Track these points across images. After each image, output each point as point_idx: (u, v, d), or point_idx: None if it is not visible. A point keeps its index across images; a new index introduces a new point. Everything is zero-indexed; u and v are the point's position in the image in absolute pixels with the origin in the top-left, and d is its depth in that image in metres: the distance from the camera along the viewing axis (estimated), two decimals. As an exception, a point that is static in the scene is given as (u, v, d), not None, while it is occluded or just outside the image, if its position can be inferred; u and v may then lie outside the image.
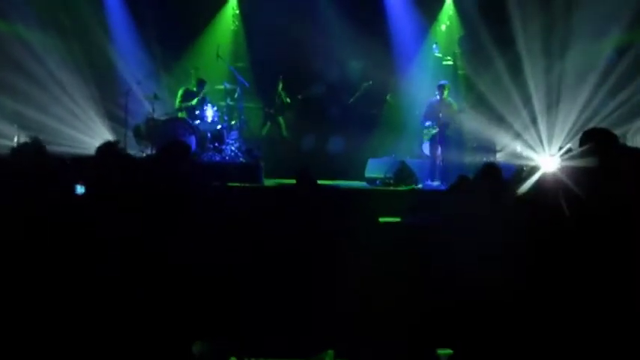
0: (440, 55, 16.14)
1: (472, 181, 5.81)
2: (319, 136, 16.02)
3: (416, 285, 4.91)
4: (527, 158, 13.50)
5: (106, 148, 5.55)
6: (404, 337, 4.75)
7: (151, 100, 13.94)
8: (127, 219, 4.70)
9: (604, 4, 13.59)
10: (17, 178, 5.18)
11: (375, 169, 13.65)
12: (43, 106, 14.66)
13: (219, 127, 14.06)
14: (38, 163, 5.77)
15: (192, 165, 6.36)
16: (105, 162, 5.35)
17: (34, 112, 14.44)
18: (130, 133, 13.97)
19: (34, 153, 5.38)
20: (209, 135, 13.91)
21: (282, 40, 15.38)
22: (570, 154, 5.60)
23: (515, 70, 14.64)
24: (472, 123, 14.10)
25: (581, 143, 5.22)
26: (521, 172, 5.88)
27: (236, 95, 14.71)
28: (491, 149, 13.98)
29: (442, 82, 13.84)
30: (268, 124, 15.51)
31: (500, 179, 5.53)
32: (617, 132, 6.67)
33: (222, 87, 14.95)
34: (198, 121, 13.81)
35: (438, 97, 13.56)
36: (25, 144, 7.35)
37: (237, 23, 16.92)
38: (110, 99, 15.26)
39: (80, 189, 5.19)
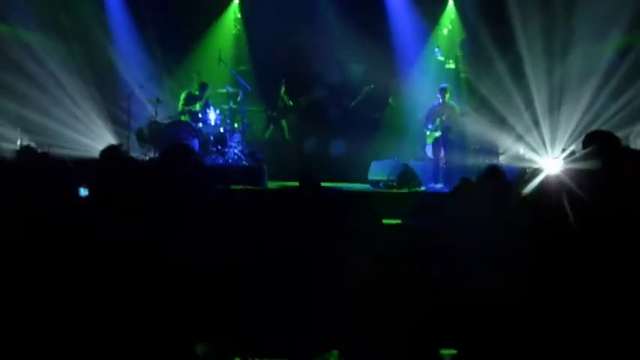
0: (442, 58, 16.15)
1: (475, 183, 5.81)
2: (322, 139, 16.03)
3: (416, 285, 4.92)
4: (530, 161, 13.51)
5: (109, 151, 5.56)
6: (404, 337, 4.76)
7: (153, 103, 13.96)
8: (130, 221, 4.70)
9: (604, 6, 13.59)
10: (21, 180, 5.20)
11: (378, 171, 13.64)
12: (45, 109, 14.68)
13: (221, 130, 14.06)
14: (41, 166, 5.79)
15: (195, 168, 6.35)
16: (108, 165, 5.36)
17: (37, 115, 14.47)
18: (133, 137, 13.97)
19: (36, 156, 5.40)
20: (212, 138, 13.92)
21: (284, 44, 15.42)
22: (573, 156, 5.60)
23: (517, 72, 14.65)
24: (475, 126, 14.09)
25: (584, 146, 5.22)
26: (524, 175, 5.88)
27: (238, 98, 14.71)
28: (493, 152, 13.97)
29: (444, 85, 13.84)
30: (271, 127, 15.51)
31: (503, 181, 5.53)
32: (620, 134, 6.67)
33: (224, 90, 14.95)
34: (201, 125, 13.81)
35: (439, 100, 13.55)
36: (28, 147, 7.39)
37: (238, 27, 16.95)
38: (113, 102, 15.28)
39: (84, 192, 5.20)
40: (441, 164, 13.35)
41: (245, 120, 14.88)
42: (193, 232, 5.01)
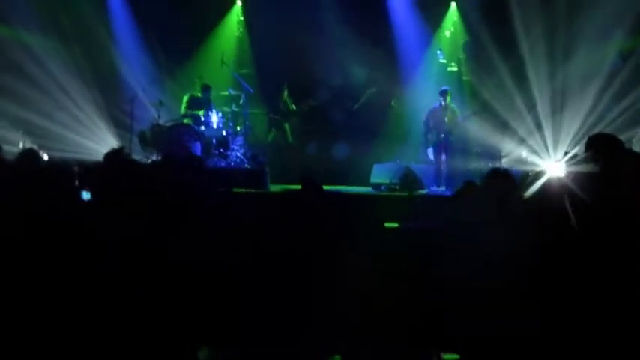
0: (444, 60, 16.14)
1: (480, 186, 5.81)
2: (324, 142, 16.03)
3: (416, 285, 4.92)
4: (533, 164, 13.49)
5: (112, 154, 5.56)
6: (404, 337, 4.76)
7: (156, 106, 13.97)
8: (131, 222, 4.71)
9: (606, 9, 13.58)
10: (22, 182, 5.21)
11: (380, 174, 13.64)
12: (47, 111, 14.71)
13: (224, 133, 14.06)
14: (42, 169, 5.80)
15: (197, 172, 6.36)
16: (111, 168, 5.36)
17: (39, 118, 14.48)
18: (136, 139, 13.98)
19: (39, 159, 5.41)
20: (214, 141, 13.91)
21: (287, 47, 15.41)
22: (575, 159, 5.60)
23: (520, 75, 14.64)
24: (477, 129, 14.09)
25: (587, 148, 5.23)
26: (527, 178, 5.88)
27: (241, 101, 14.71)
28: (496, 155, 13.96)
29: (444, 87, 13.84)
30: (273, 130, 15.50)
31: (509, 183, 5.51)
32: (623, 137, 6.68)
33: (226, 93, 14.97)
34: (203, 127, 13.82)
35: (439, 103, 13.54)
36: (30, 150, 7.39)
37: (241, 30, 16.96)
38: (115, 105, 15.30)
39: (86, 195, 5.20)
40: (442, 167, 13.36)
41: (247, 123, 14.88)
42: (194, 232, 5.02)
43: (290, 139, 15.65)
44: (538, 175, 5.68)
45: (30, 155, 6.68)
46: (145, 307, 4.39)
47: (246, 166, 13.72)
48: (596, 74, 14.12)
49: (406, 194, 12.18)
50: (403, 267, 5.11)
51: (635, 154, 5.96)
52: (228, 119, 14.40)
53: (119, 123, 15.10)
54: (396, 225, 6.90)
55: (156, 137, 13.53)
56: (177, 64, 16.04)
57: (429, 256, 5.18)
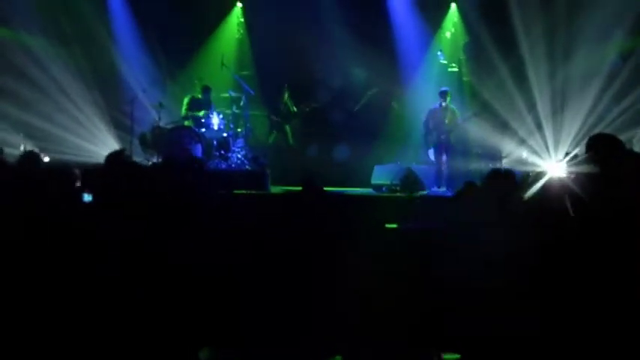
0: (445, 61, 16.14)
1: (480, 186, 5.80)
2: (325, 144, 16.03)
3: (416, 286, 4.93)
4: (533, 164, 13.49)
5: (113, 156, 5.57)
6: (404, 337, 4.76)
7: (156, 108, 13.97)
8: (132, 223, 4.72)
9: (606, 9, 13.58)
10: (23, 185, 5.21)
11: (381, 175, 13.63)
12: (48, 114, 14.71)
13: (225, 134, 14.06)
14: (43, 171, 5.80)
15: (197, 175, 6.37)
16: (112, 170, 5.37)
17: (40, 121, 14.49)
18: (136, 141, 13.99)
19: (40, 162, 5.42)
20: (215, 143, 13.92)
21: (287, 48, 15.41)
22: (576, 160, 5.61)
23: (520, 75, 14.64)
24: (477, 130, 14.08)
25: (587, 149, 5.23)
26: (527, 178, 5.88)
27: (241, 103, 14.71)
28: (496, 156, 13.96)
29: (444, 88, 13.82)
30: (274, 132, 15.51)
31: (510, 183, 5.50)
32: (623, 137, 6.69)
33: (227, 95, 14.96)
34: (204, 129, 13.82)
35: (439, 103, 13.53)
36: (31, 152, 7.41)
37: (241, 31, 16.96)
38: (116, 107, 15.31)
39: (87, 197, 5.21)
40: (443, 168, 13.36)
41: (248, 125, 14.88)
42: (194, 233, 5.03)
43: (291, 140, 15.65)
44: (539, 175, 5.69)
45: (31, 158, 6.69)
46: (146, 308, 4.40)
47: (247, 167, 13.72)
48: (597, 74, 14.12)
49: (404, 195, 12.16)
50: (403, 267, 5.11)
51: (636, 154, 5.97)
52: (228, 121, 14.40)
53: (119, 125, 15.11)
54: (393, 226, 6.90)
55: (156, 139, 13.53)
56: (177, 65, 16.06)
57: (429, 257, 5.18)
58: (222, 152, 13.86)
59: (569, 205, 4.70)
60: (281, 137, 15.52)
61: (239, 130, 14.54)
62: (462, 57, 16.29)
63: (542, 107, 14.58)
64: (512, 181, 5.53)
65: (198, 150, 13.12)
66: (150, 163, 12.68)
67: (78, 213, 4.95)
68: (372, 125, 15.73)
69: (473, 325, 4.45)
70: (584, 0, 13.90)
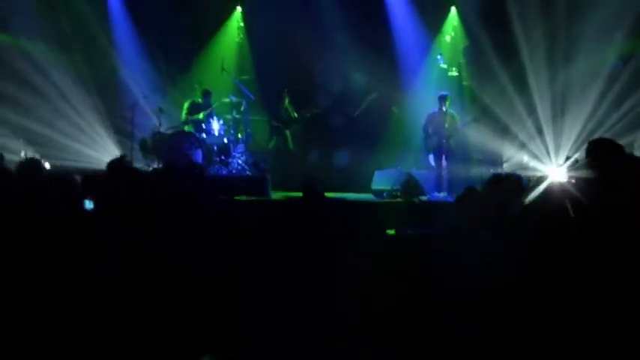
0: (445, 65, 16.13)
1: (481, 191, 5.81)
2: (325, 149, 16.05)
3: (416, 286, 4.93)
4: (534, 169, 13.49)
5: (115, 163, 5.58)
6: (404, 337, 4.76)
7: (156, 113, 13.98)
8: (133, 227, 4.73)
9: (606, 13, 13.59)
10: (25, 192, 5.22)
11: (381, 181, 13.60)
12: (48, 120, 14.73)
13: (225, 140, 14.06)
14: (45, 178, 5.81)
15: (197, 181, 6.38)
16: (113, 177, 5.37)
17: (40, 127, 14.50)
18: (137, 147, 13.99)
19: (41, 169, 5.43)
20: (215, 148, 13.92)
21: (287, 53, 15.43)
22: (576, 165, 5.61)
23: (520, 79, 14.64)
24: (477, 135, 14.08)
25: (587, 153, 5.24)
26: (528, 182, 5.88)
27: (242, 108, 14.71)
28: (497, 161, 13.95)
29: (443, 93, 13.79)
30: (275, 137, 15.51)
31: (511, 188, 5.50)
32: (624, 141, 6.69)
33: (227, 100, 14.96)
34: (204, 135, 13.82)
35: (438, 108, 13.52)
36: (32, 159, 7.40)
37: (241, 36, 16.98)
38: (117, 113, 15.32)
39: (89, 204, 5.21)
40: (443, 173, 13.34)
41: (248, 130, 14.88)
42: (194, 234, 5.04)
43: (291, 145, 15.66)
44: (539, 180, 5.70)
45: (32, 165, 6.68)
46: (146, 308, 4.40)
47: (247, 173, 13.71)
48: (597, 78, 14.12)
49: (405, 201, 12.13)
50: (403, 268, 5.12)
51: (636, 158, 5.97)
52: (229, 126, 14.40)
53: (120, 130, 15.14)
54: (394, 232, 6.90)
55: (157, 145, 13.53)
56: (177, 70, 16.08)
57: (428, 259, 5.19)
58: (223, 158, 13.86)
59: (569, 209, 4.70)
60: (281, 142, 15.53)
61: (239, 135, 14.54)
62: (462, 61, 16.27)
63: (543, 111, 14.58)
64: (514, 185, 5.53)
65: (198, 156, 13.12)
66: (150, 168, 12.69)
67: (80, 219, 4.95)
68: (372, 130, 15.74)
69: (473, 326, 4.46)
70: (583, 3, 13.91)
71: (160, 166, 12.80)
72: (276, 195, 12.84)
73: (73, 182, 5.16)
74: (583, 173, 5.12)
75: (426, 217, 9.66)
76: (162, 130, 13.76)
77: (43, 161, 9.63)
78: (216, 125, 13.97)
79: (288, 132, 15.59)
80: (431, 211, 10.63)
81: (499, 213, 5.19)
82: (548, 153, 14.23)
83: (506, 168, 13.77)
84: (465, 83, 16.05)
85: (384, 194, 13.09)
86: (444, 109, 13.42)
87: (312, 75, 15.87)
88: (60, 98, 14.94)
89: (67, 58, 15.17)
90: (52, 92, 14.85)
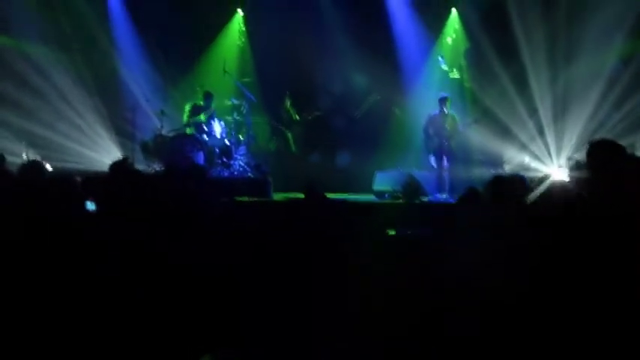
0: (446, 67, 16.13)
1: (483, 192, 5.81)
2: (327, 150, 16.06)
3: (416, 286, 4.94)
4: (535, 170, 13.48)
5: (117, 165, 5.59)
6: (404, 337, 4.76)
7: (158, 115, 13.99)
8: (135, 228, 4.74)
9: (607, 13, 13.60)
10: (27, 194, 5.23)
11: (382, 182, 13.60)
12: (50, 122, 14.74)
13: (227, 142, 14.07)
14: (47, 180, 5.82)
15: (200, 181, 6.38)
16: (115, 178, 5.38)
17: (42, 129, 14.52)
18: (138, 149, 14.00)
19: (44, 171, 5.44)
20: (217, 150, 13.94)
21: (288, 55, 15.46)
22: (577, 165, 5.61)
23: (521, 80, 14.64)
24: (478, 136, 14.09)
25: (588, 154, 5.23)
26: (530, 183, 5.88)
27: (243, 110, 14.72)
28: (498, 162, 13.95)
29: (443, 94, 13.80)
30: (276, 139, 15.53)
31: (513, 189, 5.50)
32: (626, 142, 6.69)
33: (229, 102, 14.97)
34: (206, 137, 13.83)
35: (439, 109, 13.52)
36: (34, 161, 7.42)
37: (243, 39, 16.98)
38: (118, 114, 15.33)
39: (91, 206, 5.22)
40: (444, 174, 13.35)
41: (250, 132, 14.88)
42: (195, 235, 5.05)
43: (293, 147, 15.68)
44: (541, 179, 5.70)
45: (34, 167, 6.69)
46: (146, 309, 4.41)
47: (249, 175, 13.72)
48: (598, 79, 14.12)
49: (406, 201, 12.12)
50: (403, 269, 5.13)
51: (637, 159, 5.96)
52: (231, 128, 14.42)
53: (122, 132, 15.15)
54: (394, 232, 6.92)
55: (158, 147, 13.55)
56: (179, 73, 16.09)
57: (429, 260, 5.19)
58: (224, 160, 13.87)
59: (570, 209, 4.71)
60: (283, 144, 15.56)
61: (241, 137, 14.55)
62: (463, 63, 16.28)
63: (544, 112, 14.59)
64: (518, 186, 5.54)
65: (200, 157, 13.14)
66: (152, 170, 12.69)
67: (82, 221, 4.97)
68: (373, 131, 15.76)
69: (473, 326, 4.46)
70: (584, 5, 13.92)
71: (162, 168, 12.80)
72: (278, 196, 12.85)
73: (73, 183, 5.17)
74: (584, 173, 5.12)
75: (427, 217, 9.66)
76: (163, 132, 13.77)
77: (44, 163, 9.65)
78: (217, 127, 13.99)
79: (289, 134, 15.62)
80: (432, 212, 10.64)
81: (500, 214, 5.19)
82: (549, 154, 14.24)
83: (507, 169, 13.76)
84: (466, 85, 16.06)
85: (386, 195, 13.08)
86: (444, 110, 13.44)
87: (313, 77, 15.89)
88: (61, 100, 14.95)
89: (68, 59, 15.19)
90: (53, 94, 14.86)
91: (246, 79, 15.99)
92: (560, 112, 14.50)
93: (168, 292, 4.54)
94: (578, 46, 14.08)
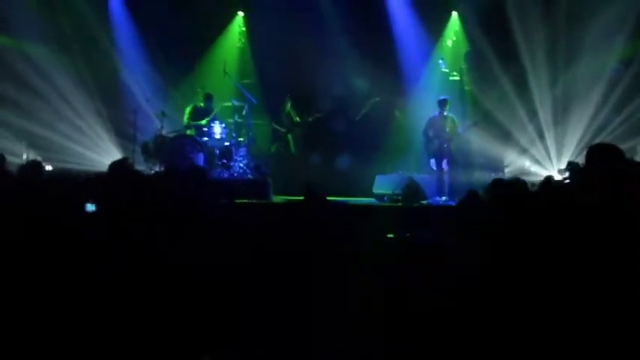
0: (446, 70, 16.13)
1: (483, 195, 5.81)
2: (327, 153, 16.05)
3: (416, 288, 4.94)
4: (536, 174, 13.49)
5: (117, 165, 5.59)
6: (404, 337, 4.77)
7: (159, 117, 13.98)
8: (135, 228, 4.74)
9: (607, 16, 13.61)
10: (26, 194, 5.23)
11: (382, 185, 13.61)
12: (50, 122, 14.75)
13: (227, 143, 14.07)
14: (46, 181, 5.82)
15: (200, 182, 6.38)
16: (115, 179, 5.38)
17: (42, 129, 14.52)
18: (139, 150, 13.99)
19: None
20: (217, 152, 13.92)
21: (289, 57, 15.44)
22: (577, 169, 5.63)
23: (521, 84, 14.65)
24: (479, 140, 14.09)
25: (587, 158, 5.24)
26: (531, 187, 5.88)
27: (244, 112, 14.71)
28: (498, 166, 13.95)
29: (442, 97, 13.78)
30: (277, 141, 15.54)
31: (514, 192, 5.50)
32: (626, 146, 6.71)
33: (229, 104, 14.96)
34: (206, 138, 13.83)
35: (439, 112, 13.51)
36: (34, 162, 7.41)
37: (243, 40, 16.98)
38: (119, 115, 15.33)
39: (91, 207, 5.21)
40: (445, 177, 13.34)
41: (250, 134, 14.86)
42: (196, 235, 5.05)
43: (293, 149, 15.68)
44: (541, 184, 5.71)
45: (33, 167, 6.69)
46: (146, 309, 4.41)
47: (249, 176, 13.71)
48: (598, 82, 14.13)
49: (406, 204, 12.11)
50: (402, 271, 5.13)
51: (636, 164, 5.98)
52: (231, 130, 14.41)
53: (122, 133, 15.15)
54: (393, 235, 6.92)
55: (159, 148, 13.53)
56: (180, 73, 16.07)
57: (428, 262, 5.20)
58: (225, 161, 13.86)
59: (569, 214, 4.71)
60: (283, 146, 15.55)
61: (241, 139, 14.53)
62: (464, 66, 16.27)
63: (544, 116, 14.60)
64: (520, 191, 5.54)
65: (200, 159, 13.12)
66: (152, 172, 12.69)
67: (81, 221, 4.97)
68: (373, 134, 15.75)
69: (473, 327, 4.47)
70: (584, 8, 13.93)
71: (162, 169, 12.80)
72: (278, 199, 12.84)
73: (74, 182, 5.17)
74: (583, 178, 5.12)
75: (427, 221, 9.67)
76: (164, 133, 13.77)
77: (44, 164, 9.65)
78: (218, 129, 13.98)
79: (290, 136, 15.62)
80: (431, 215, 10.64)
81: (500, 217, 5.19)
82: (549, 158, 14.25)
83: (507, 173, 13.76)
84: (466, 88, 16.05)
85: (385, 198, 13.09)
86: (444, 113, 13.42)
87: (314, 79, 15.87)
88: (61, 100, 14.96)
89: (68, 59, 15.19)
90: (53, 94, 14.87)
91: (246, 81, 15.99)
92: (561, 115, 14.51)
93: (168, 292, 4.54)
94: (578, 49, 14.10)
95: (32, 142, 14.26)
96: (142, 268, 4.55)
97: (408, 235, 7.03)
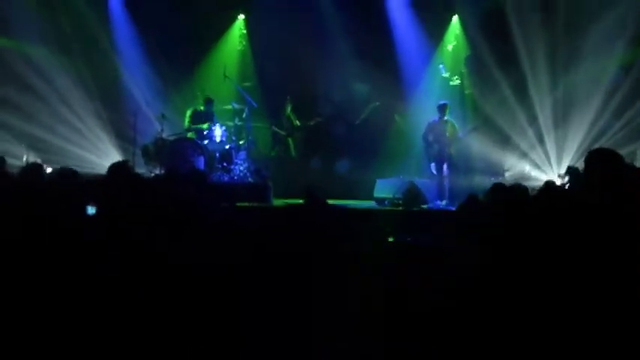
0: (447, 75, 16.14)
1: (483, 200, 5.81)
2: (327, 157, 16.06)
3: (415, 289, 4.95)
4: (536, 179, 13.49)
5: (117, 167, 5.59)
6: (404, 338, 4.77)
7: (159, 119, 13.98)
8: (135, 230, 4.75)
9: (607, 21, 13.62)
10: (27, 196, 5.23)
11: (383, 189, 13.60)
12: (50, 125, 14.75)
13: (227, 147, 14.07)
14: (47, 183, 5.82)
15: (200, 186, 6.39)
16: (115, 181, 5.38)
17: (42, 132, 14.53)
18: (139, 153, 13.99)
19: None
20: (217, 155, 13.92)
21: (289, 60, 15.46)
22: (576, 174, 5.63)
23: (522, 88, 14.66)
24: (479, 145, 14.10)
25: (587, 163, 5.24)
26: (531, 192, 5.89)
27: (244, 115, 14.71)
28: (498, 170, 13.95)
29: (442, 101, 13.78)
30: (277, 144, 15.54)
31: (513, 197, 5.51)
32: (626, 150, 6.71)
33: (230, 107, 14.96)
34: (206, 141, 13.83)
35: (438, 117, 13.51)
36: (35, 164, 7.42)
37: (244, 43, 16.99)
38: (119, 118, 15.33)
39: (91, 210, 5.21)
40: (445, 181, 13.34)
41: (251, 137, 14.86)
42: (196, 235, 5.05)
43: (293, 153, 15.69)
44: (541, 189, 5.71)
45: (34, 170, 6.70)
46: (146, 309, 4.42)
47: (249, 180, 13.70)
48: (598, 87, 14.14)
49: (407, 208, 12.11)
50: (402, 274, 5.14)
51: (636, 169, 5.98)
52: (231, 133, 14.41)
53: (122, 136, 15.15)
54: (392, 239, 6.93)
55: (159, 151, 13.53)
56: (180, 76, 16.06)
57: (427, 266, 5.20)
58: (225, 164, 13.86)
59: (570, 218, 4.72)
60: (283, 150, 15.56)
61: (242, 142, 14.54)
62: (464, 70, 16.28)
63: (544, 120, 14.61)
64: (521, 196, 5.55)
65: (200, 162, 13.12)
66: (152, 174, 12.69)
67: (81, 220, 4.97)
68: (373, 139, 15.77)
69: (472, 327, 4.47)
70: (584, 13, 13.94)
71: (162, 172, 12.80)
72: (278, 202, 12.84)
73: (74, 183, 5.18)
74: (583, 183, 5.13)
75: (427, 225, 9.67)
76: (164, 136, 13.77)
77: (45, 166, 9.65)
78: (218, 132, 13.97)
79: (290, 139, 15.63)
80: (432, 219, 10.65)
81: (500, 221, 5.20)
82: (549, 162, 14.25)
83: (507, 177, 13.77)
84: (466, 92, 16.06)
85: (386, 202, 13.08)
86: (444, 117, 13.43)
87: (314, 83, 15.90)
88: (61, 103, 14.97)
89: (68, 61, 15.19)
90: (54, 97, 14.87)
91: (246, 84, 15.99)
92: (561, 120, 14.52)
93: (168, 293, 4.55)
94: (579, 54, 14.11)
95: (32, 145, 14.25)
96: (142, 269, 4.55)
97: (409, 239, 7.03)
